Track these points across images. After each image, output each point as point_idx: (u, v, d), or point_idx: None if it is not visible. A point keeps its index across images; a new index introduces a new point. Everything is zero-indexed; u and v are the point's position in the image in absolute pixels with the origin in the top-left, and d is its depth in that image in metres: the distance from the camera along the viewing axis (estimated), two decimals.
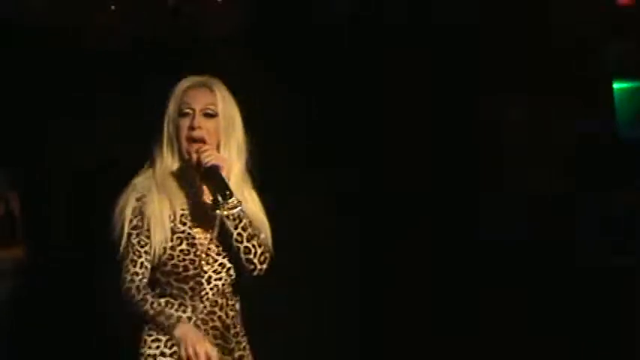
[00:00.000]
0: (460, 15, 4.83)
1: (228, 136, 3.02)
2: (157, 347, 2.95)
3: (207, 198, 3.02)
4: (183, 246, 2.97)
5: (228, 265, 3.02)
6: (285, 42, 4.89)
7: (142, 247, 2.95)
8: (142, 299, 2.92)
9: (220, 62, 4.65)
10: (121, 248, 2.96)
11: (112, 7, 4.82)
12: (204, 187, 3.01)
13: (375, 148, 5.01)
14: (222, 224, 2.93)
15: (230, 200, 2.91)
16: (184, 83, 3.05)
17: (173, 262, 2.96)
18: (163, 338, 2.94)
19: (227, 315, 3.04)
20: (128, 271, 2.93)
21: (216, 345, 2.98)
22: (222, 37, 4.90)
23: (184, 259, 2.97)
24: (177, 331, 2.88)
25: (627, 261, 4.78)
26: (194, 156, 2.97)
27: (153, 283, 2.98)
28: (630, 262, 4.77)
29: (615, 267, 4.77)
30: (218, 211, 2.91)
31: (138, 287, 2.92)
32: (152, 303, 2.92)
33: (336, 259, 4.90)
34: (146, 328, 2.96)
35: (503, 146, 4.92)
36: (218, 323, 3.02)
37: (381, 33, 4.91)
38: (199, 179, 3.00)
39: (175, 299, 2.97)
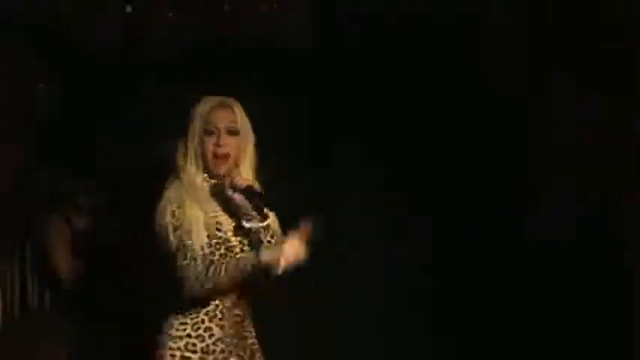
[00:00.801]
0: (519, 14, 4.76)
1: (245, 149, 3.42)
2: (184, 330, 3.34)
3: (238, 209, 3.39)
4: (222, 250, 3.35)
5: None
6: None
7: (188, 243, 3.30)
8: (212, 273, 3.28)
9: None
10: (172, 249, 3.33)
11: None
12: (235, 200, 3.38)
13: (430, 145, 5.10)
14: (256, 233, 3.35)
15: (263, 214, 3.33)
16: (208, 103, 3.43)
17: (213, 262, 3.31)
18: (190, 321, 3.34)
19: (245, 307, 3.44)
20: (186, 260, 3.30)
21: (236, 330, 3.40)
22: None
23: (222, 262, 3.32)
24: (265, 257, 3.29)
25: None
26: (227, 179, 3.36)
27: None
28: None
29: None
30: (253, 224, 3.34)
31: (200, 272, 3.28)
32: (220, 268, 3.29)
33: (385, 257, 5.11)
34: (173, 313, 3.36)
35: (560, 145, 4.88)
36: (239, 312, 3.41)
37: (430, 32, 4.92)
38: (232, 193, 3.36)
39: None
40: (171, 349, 3.34)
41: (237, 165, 3.42)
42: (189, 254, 3.31)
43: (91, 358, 5.00)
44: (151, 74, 4.99)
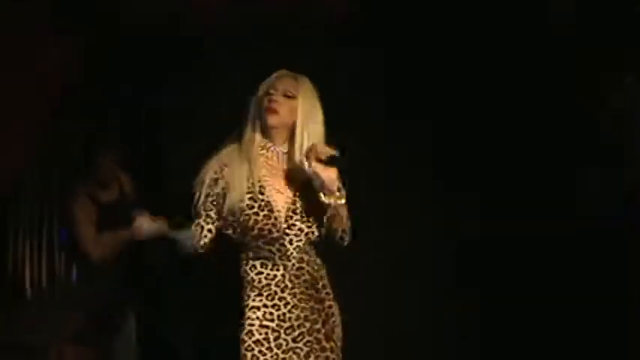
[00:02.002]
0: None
1: (306, 121, 3.51)
2: (260, 300, 3.47)
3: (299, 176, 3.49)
4: (265, 212, 3.46)
5: (306, 229, 3.50)
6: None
7: (211, 211, 3.47)
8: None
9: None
10: (196, 209, 3.49)
11: None
12: (297, 167, 3.50)
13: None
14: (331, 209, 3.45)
15: (341, 193, 3.44)
16: (277, 74, 3.58)
17: (259, 226, 3.44)
18: (265, 294, 3.46)
19: (313, 269, 3.54)
20: (199, 229, 3.48)
21: (309, 295, 3.50)
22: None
23: (267, 224, 3.45)
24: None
25: None
26: (306, 152, 3.43)
27: (246, 247, 3.49)
28: None
29: None
30: (332, 200, 3.43)
31: (205, 244, 3.48)
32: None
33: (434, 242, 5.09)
34: (248, 286, 3.48)
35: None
36: (307, 277, 3.52)
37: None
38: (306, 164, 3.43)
39: (268, 260, 3.48)
40: (250, 318, 3.46)
41: (288, 129, 3.54)
42: (202, 227, 3.49)
43: (118, 331, 5.11)
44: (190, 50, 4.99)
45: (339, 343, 3.58)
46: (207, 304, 4.90)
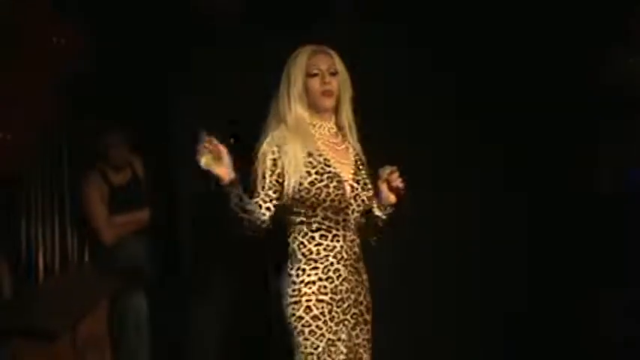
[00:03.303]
0: None
1: (345, 91, 3.60)
2: (316, 274, 3.48)
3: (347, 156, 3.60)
4: (334, 183, 3.50)
5: (367, 200, 3.58)
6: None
7: (274, 192, 3.48)
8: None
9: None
10: (256, 190, 3.47)
11: None
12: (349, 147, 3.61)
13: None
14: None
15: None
16: (305, 51, 3.60)
17: (330, 197, 3.49)
18: (321, 266, 3.49)
19: (359, 243, 3.60)
20: (257, 207, 3.45)
21: (355, 268, 3.56)
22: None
23: (337, 194, 3.50)
24: None
25: None
26: (386, 174, 3.55)
27: (309, 220, 3.50)
28: None
29: None
30: (382, 214, 3.61)
31: (264, 221, 3.46)
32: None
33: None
34: (303, 260, 3.49)
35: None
36: (357, 249, 3.58)
37: None
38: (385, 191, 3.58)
39: (329, 231, 3.51)
40: (305, 294, 3.47)
41: (338, 104, 3.61)
42: (261, 204, 3.48)
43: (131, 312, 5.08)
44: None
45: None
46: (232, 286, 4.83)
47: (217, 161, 3.30)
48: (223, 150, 3.30)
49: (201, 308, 4.85)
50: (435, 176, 4.62)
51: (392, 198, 3.59)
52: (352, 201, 3.55)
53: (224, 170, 3.31)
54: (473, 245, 4.75)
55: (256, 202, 3.46)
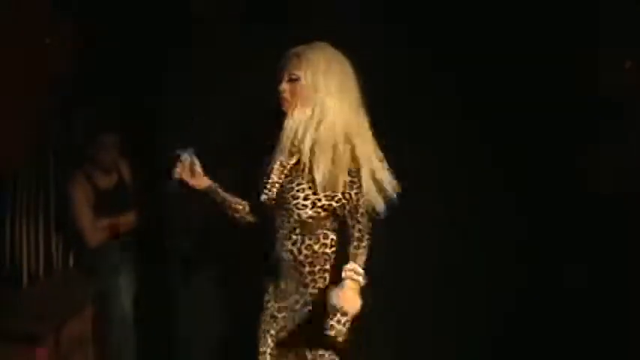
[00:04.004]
0: None
1: (309, 97, 3.46)
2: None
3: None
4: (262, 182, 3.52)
5: (296, 210, 3.46)
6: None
7: None
8: None
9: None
10: None
11: None
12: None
13: None
14: None
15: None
16: (286, 54, 3.54)
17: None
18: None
19: (299, 251, 3.48)
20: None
21: (291, 275, 3.49)
22: None
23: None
24: None
25: None
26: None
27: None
28: None
29: None
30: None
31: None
32: None
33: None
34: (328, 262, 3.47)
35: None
36: (291, 256, 3.48)
37: None
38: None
39: (276, 232, 3.51)
40: None
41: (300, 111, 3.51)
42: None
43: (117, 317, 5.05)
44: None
45: None
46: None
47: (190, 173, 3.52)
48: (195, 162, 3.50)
49: (188, 311, 4.82)
50: (434, 176, 4.63)
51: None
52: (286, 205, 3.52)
53: (198, 181, 3.54)
54: (473, 245, 4.74)
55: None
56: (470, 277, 4.73)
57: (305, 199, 3.43)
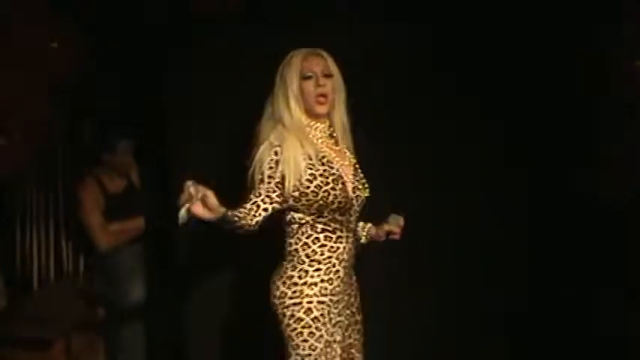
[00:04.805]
0: None
1: (339, 92, 3.63)
2: (318, 276, 3.53)
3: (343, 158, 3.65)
4: (340, 185, 3.53)
5: (365, 199, 3.62)
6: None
7: (272, 193, 3.48)
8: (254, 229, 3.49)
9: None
10: (255, 189, 3.48)
11: None
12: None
13: None
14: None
15: None
16: (299, 53, 3.63)
17: (338, 199, 3.51)
18: (323, 267, 3.54)
19: (357, 245, 3.69)
20: (255, 207, 3.47)
21: (349, 270, 3.61)
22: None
23: (344, 196, 3.53)
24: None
25: None
26: (394, 227, 3.71)
27: (315, 221, 3.53)
28: None
29: None
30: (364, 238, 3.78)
31: (258, 222, 3.47)
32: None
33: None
34: (307, 261, 3.53)
35: None
36: (355, 251, 3.63)
37: None
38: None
39: (334, 233, 3.55)
40: (307, 295, 3.51)
41: (332, 107, 3.64)
42: (259, 205, 3.49)
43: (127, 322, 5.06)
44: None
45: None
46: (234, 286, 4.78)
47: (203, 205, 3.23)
48: (206, 192, 3.21)
49: (197, 315, 4.81)
50: (434, 176, 4.62)
51: (381, 239, 3.70)
52: (354, 202, 3.59)
53: (210, 212, 3.23)
54: (473, 246, 4.73)
55: (254, 203, 3.47)
56: (469, 277, 4.73)
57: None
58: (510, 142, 4.70)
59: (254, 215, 3.45)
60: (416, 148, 4.54)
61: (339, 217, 3.54)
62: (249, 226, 3.45)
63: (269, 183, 3.47)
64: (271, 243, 3.87)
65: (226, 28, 4.58)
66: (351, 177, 3.60)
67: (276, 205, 3.49)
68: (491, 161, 4.71)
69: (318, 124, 3.62)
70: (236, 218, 3.40)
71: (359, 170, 3.66)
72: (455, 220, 4.64)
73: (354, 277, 3.66)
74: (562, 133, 4.72)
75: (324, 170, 3.52)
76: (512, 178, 4.70)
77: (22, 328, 4.88)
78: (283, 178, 3.48)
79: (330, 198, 3.49)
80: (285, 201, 3.49)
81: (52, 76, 4.54)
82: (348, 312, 3.59)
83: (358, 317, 3.65)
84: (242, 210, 3.44)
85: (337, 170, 3.55)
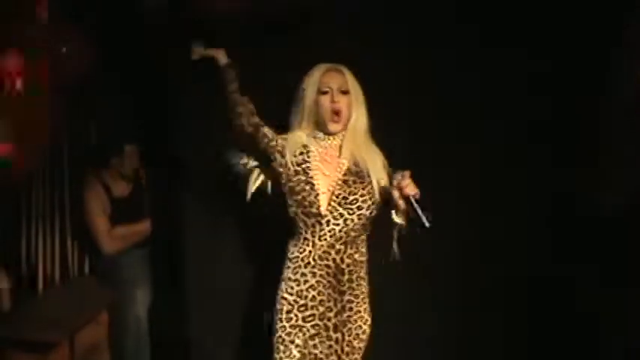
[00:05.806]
0: None
1: (358, 108, 3.82)
2: (287, 272, 3.77)
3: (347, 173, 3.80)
4: (307, 187, 3.73)
5: (347, 215, 3.71)
6: None
7: (270, 135, 3.85)
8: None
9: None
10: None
11: None
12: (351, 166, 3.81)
13: None
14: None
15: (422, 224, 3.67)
16: (320, 68, 3.82)
17: (300, 196, 3.72)
18: (292, 265, 3.74)
19: (342, 261, 3.73)
20: (263, 126, 3.88)
21: (328, 282, 3.70)
22: None
23: (307, 199, 3.72)
24: None
25: None
26: (397, 181, 3.70)
27: (291, 219, 3.77)
28: None
29: None
30: (400, 220, 3.77)
31: (255, 124, 3.83)
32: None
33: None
34: (285, 258, 3.78)
35: None
36: (331, 264, 3.70)
37: None
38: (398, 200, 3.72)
39: (301, 234, 3.71)
40: (280, 289, 3.78)
41: (345, 125, 3.81)
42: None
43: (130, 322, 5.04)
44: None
45: (347, 348, 3.72)
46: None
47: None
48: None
49: (202, 319, 4.80)
50: (434, 176, 4.60)
51: (400, 204, 3.62)
52: (326, 213, 3.69)
53: (219, 51, 3.83)
54: (473, 246, 4.72)
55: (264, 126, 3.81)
56: (469, 277, 4.72)
57: (367, 208, 3.75)
58: (511, 142, 4.72)
59: (258, 122, 3.78)
60: (416, 147, 4.55)
61: (304, 217, 3.72)
62: (249, 117, 3.76)
63: (273, 134, 3.82)
64: (278, 248, 3.91)
65: (227, 28, 4.59)
66: (329, 188, 3.74)
67: (271, 142, 3.78)
68: (491, 161, 4.71)
69: (327, 136, 3.82)
70: (241, 102, 3.76)
71: (354, 186, 3.73)
72: (455, 219, 4.64)
73: (347, 298, 3.71)
74: (562, 133, 4.73)
75: (302, 170, 3.76)
76: (512, 178, 4.72)
77: (26, 329, 4.87)
78: (277, 151, 3.78)
79: (295, 192, 3.74)
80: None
81: (59, 78, 4.55)
82: (319, 322, 3.66)
83: (333, 334, 3.68)
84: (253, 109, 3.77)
85: (311, 178, 3.74)
